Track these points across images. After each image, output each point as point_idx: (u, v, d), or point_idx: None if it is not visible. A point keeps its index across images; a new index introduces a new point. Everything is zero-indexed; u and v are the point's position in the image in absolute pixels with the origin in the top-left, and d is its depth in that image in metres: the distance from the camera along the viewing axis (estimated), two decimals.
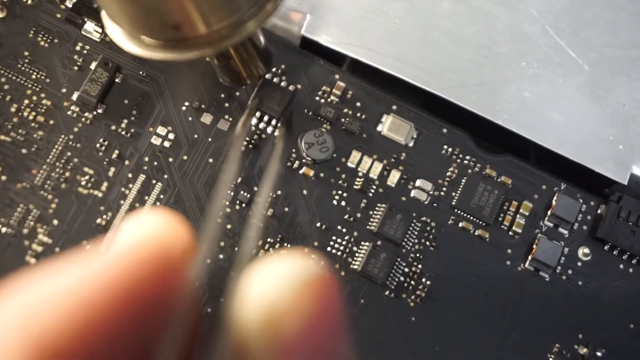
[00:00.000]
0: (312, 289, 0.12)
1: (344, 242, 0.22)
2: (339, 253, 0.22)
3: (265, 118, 0.23)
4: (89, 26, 0.23)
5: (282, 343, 0.12)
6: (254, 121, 0.23)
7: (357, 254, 0.22)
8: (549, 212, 0.22)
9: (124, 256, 0.13)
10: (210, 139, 0.23)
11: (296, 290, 0.12)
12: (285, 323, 0.12)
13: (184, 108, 0.23)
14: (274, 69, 0.23)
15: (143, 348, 0.12)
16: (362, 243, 0.22)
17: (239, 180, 0.22)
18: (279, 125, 0.23)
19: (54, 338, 0.10)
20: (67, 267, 0.11)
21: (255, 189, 0.22)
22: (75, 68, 0.23)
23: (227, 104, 0.23)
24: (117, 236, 0.13)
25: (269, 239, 0.22)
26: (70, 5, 0.23)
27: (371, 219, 0.22)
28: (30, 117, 0.23)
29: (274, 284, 0.12)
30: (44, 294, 0.11)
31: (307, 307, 0.12)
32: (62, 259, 0.11)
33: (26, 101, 0.23)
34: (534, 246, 0.22)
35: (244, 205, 0.22)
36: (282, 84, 0.23)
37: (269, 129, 0.23)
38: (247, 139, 0.23)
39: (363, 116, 0.23)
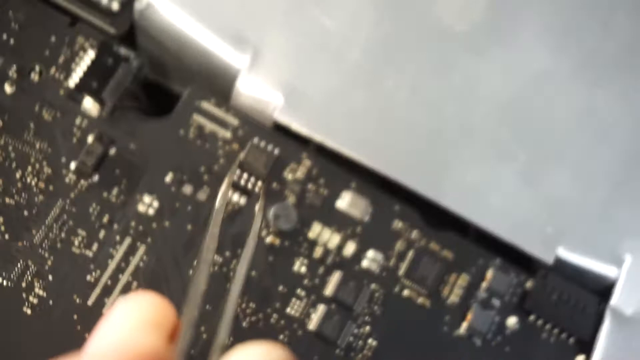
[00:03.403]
0: None
1: (302, 304, 0.25)
2: (297, 314, 0.25)
3: (245, 177, 0.26)
4: (88, 103, 0.26)
5: None
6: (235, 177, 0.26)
7: (312, 315, 0.25)
8: (483, 285, 0.26)
9: None
10: (189, 208, 0.26)
11: None
12: None
13: (167, 179, 0.26)
14: (249, 144, 0.26)
15: None
16: (318, 305, 0.25)
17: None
18: (260, 194, 0.26)
19: None
20: None
21: (228, 254, 0.25)
22: (74, 140, 0.26)
23: (206, 177, 0.26)
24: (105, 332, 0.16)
25: (242, 303, 0.25)
26: (72, 85, 0.26)
27: (327, 285, 0.25)
28: (33, 183, 0.26)
29: None
30: None
31: None
32: None
33: (29, 168, 0.26)
34: (469, 314, 0.25)
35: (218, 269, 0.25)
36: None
37: (248, 193, 0.26)
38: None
39: (325, 192, 0.26)
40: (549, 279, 0.25)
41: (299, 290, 0.25)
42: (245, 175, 0.26)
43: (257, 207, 0.25)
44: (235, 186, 0.26)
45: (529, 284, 0.26)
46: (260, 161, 0.26)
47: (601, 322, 0.25)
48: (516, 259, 0.26)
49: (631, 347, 0.25)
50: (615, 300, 0.25)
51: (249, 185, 0.26)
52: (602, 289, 0.25)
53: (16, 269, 0.25)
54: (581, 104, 0.27)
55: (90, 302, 0.25)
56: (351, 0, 0.27)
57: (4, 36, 0.27)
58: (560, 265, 0.25)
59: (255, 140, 0.26)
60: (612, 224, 0.26)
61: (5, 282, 0.25)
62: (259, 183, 0.26)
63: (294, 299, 0.25)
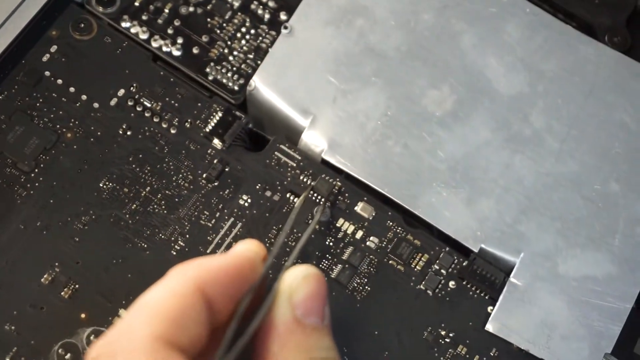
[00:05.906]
0: None
1: (328, 263, 0.43)
2: (325, 268, 0.43)
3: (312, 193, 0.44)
4: (216, 141, 0.46)
5: None
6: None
7: (334, 269, 0.43)
8: (437, 261, 0.43)
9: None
10: (268, 204, 0.44)
11: None
12: None
13: (257, 187, 0.45)
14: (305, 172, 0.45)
15: None
16: (338, 264, 0.43)
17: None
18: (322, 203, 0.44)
19: None
20: None
21: (295, 230, 0.44)
22: (206, 161, 0.45)
23: (279, 187, 0.45)
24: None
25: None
26: (208, 130, 0.46)
27: (344, 254, 0.43)
28: (181, 183, 0.45)
29: None
30: None
31: None
32: None
33: (181, 175, 0.45)
34: (426, 277, 0.43)
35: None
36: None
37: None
38: None
39: (348, 201, 0.44)
40: (476, 260, 0.43)
41: (327, 255, 0.43)
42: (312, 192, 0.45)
43: (317, 209, 0.44)
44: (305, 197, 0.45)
45: (464, 263, 0.43)
46: (323, 187, 0.44)
47: (503, 287, 0.42)
48: (458, 248, 0.43)
49: (517, 305, 0.42)
50: (512, 276, 0.42)
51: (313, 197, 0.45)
52: (506, 269, 0.43)
53: (169, 230, 0.44)
54: (504, 162, 0.45)
55: (208, 251, 0.43)
56: (371, 93, 0.46)
57: (173, 102, 0.47)
58: (483, 253, 0.43)
59: (321, 174, 0.45)
60: (515, 232, 0.43)
61: (161, 237, 0.44)
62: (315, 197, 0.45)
63: (324, 260, 0.43)
